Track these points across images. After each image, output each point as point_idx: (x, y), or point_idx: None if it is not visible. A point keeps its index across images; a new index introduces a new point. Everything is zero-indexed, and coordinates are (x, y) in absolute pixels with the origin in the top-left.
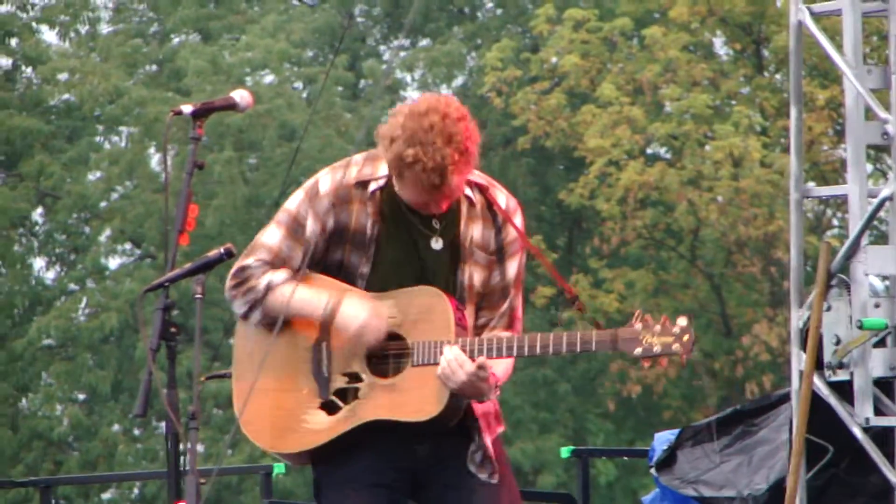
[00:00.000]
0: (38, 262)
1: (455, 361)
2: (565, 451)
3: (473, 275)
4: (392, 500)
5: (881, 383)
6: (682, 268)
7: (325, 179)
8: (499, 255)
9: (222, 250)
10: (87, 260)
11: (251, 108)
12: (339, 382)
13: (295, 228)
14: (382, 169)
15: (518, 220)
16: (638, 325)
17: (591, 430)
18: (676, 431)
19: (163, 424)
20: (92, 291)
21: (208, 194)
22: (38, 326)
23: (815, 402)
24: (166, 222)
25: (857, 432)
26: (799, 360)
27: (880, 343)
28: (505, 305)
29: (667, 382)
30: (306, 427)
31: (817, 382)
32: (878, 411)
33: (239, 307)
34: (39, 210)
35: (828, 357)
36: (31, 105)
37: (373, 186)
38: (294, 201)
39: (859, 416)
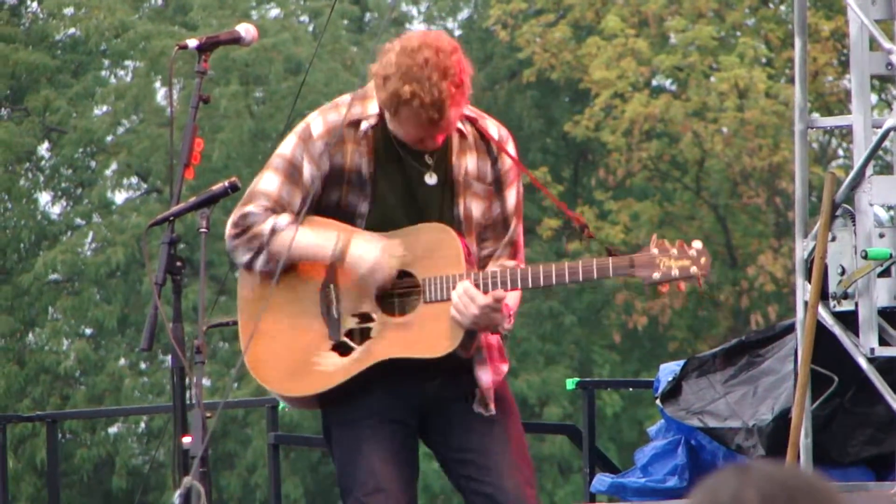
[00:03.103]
0: (44, 197)
1: (465, 295)
2: (570, 383)
3: (472, 206)
4: (405, 436)
5: (886, 313)
6: (687, 199)
7: (317, 122)
8: (496, 185)
9: (227, 184)
10: (93, 194)
11: (256, 42)
12: (350, 323)
13: (292, 173)
14: (372, 107)
15: (511, 148)
16: (654, 250)
17: (597, 362)
18: (681, 362)
19: (169, 358)
20: (98, 226)
21: (214, 128)
22: (45, 261)
23: (820, 332)
24: (171, 156)
25: (862, 362)
26: (804, 291)
27: (885, 273)
28: (508, 235)
29: (672, 314)
30: (319, 369)
31: (822, 313)
32: (883, 341)
33: (242, 255)
34: (45, 145)
35: (832, 287)
36: (36, 39)
37: (364, 125)
38: (288, 146)
39: (864, 347)
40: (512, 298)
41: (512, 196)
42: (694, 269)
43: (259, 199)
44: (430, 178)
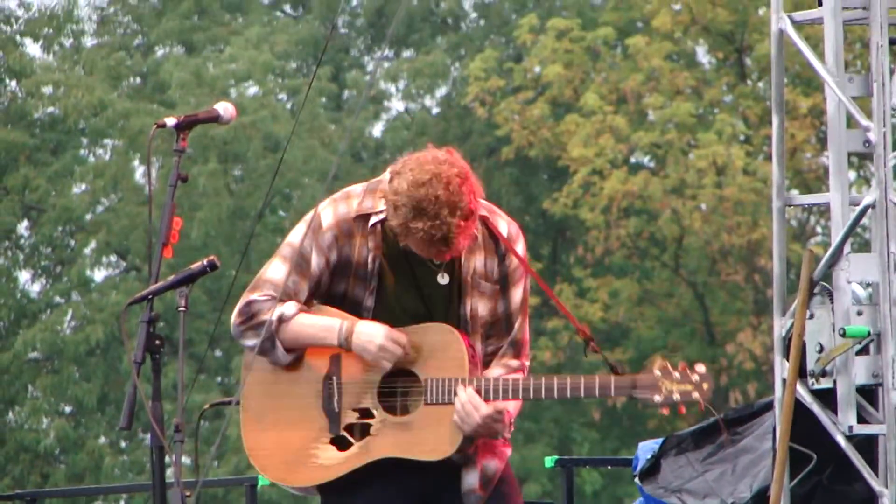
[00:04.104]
0: (24, 275)
1: (469, 404)
2: (550, 461)
3: (478, 306)
4: None
5: (864, 391)
6: (665, 276)
7: (328, 213)
8: (503, 283)
9: (205, 262)
10: (72, 272)
11: (234, 120)
12: (350, 418)
13: (300, 263)
14: (383, 203)
15: (520, 247)
16: (657, 372)
17: (576, 440)
18: (660, 440)
19: (149, 436)
20: (77, 304)
21: (193, 206)
22: (24, 339)
23: (799, 410)
24: (150, 235)
25: (841, 440)
26: (782, 369)
27: (863, 351)
28: (512, 334)
29: None
30: (317, 462)
31: (800, 390)
32: (862, 419)
33: (250, 339)
34: (25, 223)
35: (811, 365)
36: (15, 118)
37: (374, 220)
38: (297, 235)
39: (842, 424)
40: (512, 405)
41: (518, 294)
42: (696, 395)
43: (265, 287)
44: (443, 279)
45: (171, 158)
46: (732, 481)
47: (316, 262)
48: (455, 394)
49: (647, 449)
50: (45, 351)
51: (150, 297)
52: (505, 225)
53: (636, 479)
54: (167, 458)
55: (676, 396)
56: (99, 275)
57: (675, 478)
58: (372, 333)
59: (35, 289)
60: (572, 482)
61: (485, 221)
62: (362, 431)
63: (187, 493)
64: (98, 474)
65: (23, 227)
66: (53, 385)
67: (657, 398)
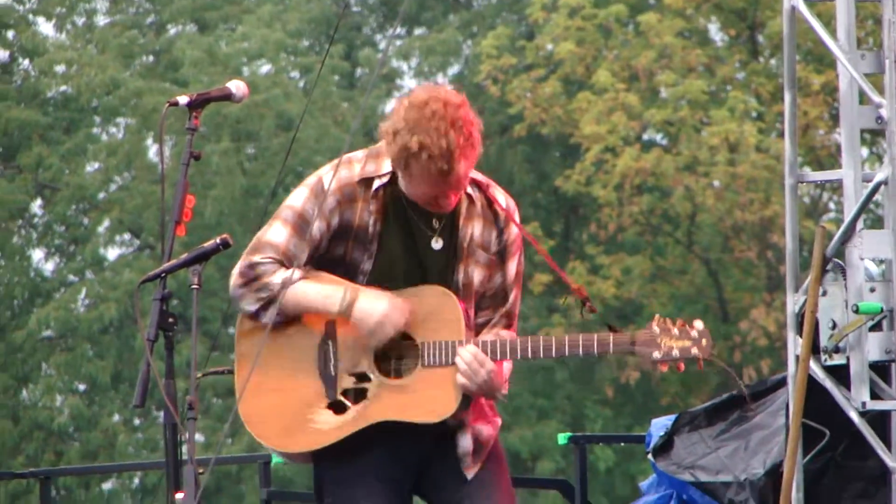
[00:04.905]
0: (38, 254)
1: (475, 361)
2: (562, 438)
3: (473, 274)
4: (400, 493)
5: (877, 367)
6: (678, 253)
7: (330, 177)
8: (500, 255)
9: (218, 241)
10: (85, 251)
11: (247, 98)
12: (347, 382)
13: (301, 226)
14: (386, 166)
15: (517, 219)
16: (655, 329)
17: (590, 417)
18: (673, 417)
19: (162, 414)
20: (91, 282)
21: (206, 185)
22: (38, 318)
23: (812, 386)
24: (163, 213)
25: (854, 416)
26: (795, 345)
27: (876, 327)
28: (506, 306)
29: None
30: (314, 427)
31: (813, 367)
32: (875, 395)
33: (249, 304)
34: (38, 202)
35: (824, 341)
36: (28, 97)
37: (376, 184)
38: (299, 198)
39: (856, 400)
40: (506, 367)
41: (513, 267)
42: (695, 351)
43: (267, 249)
44: (437, 243)
45: (183, 137)
46: (745, 457)
47: (318, 226)
48: (455, 354)
49: (660, 426)
50: (59, 329)
51: (163, 274)
52: (503, 197)
53: (649, 456)
54: (180, 436)
55: (676, 353)
56: (112, 253)
57: (688, 454)
58: (373, 308)
59: (49, 267)
60: (585, 459)
61: (484, 190)
62: (359, 395)
63: (200, 471)
64: (112, 452)
65: (36, 206)
66: (67, 363)
67: (656, 354)
